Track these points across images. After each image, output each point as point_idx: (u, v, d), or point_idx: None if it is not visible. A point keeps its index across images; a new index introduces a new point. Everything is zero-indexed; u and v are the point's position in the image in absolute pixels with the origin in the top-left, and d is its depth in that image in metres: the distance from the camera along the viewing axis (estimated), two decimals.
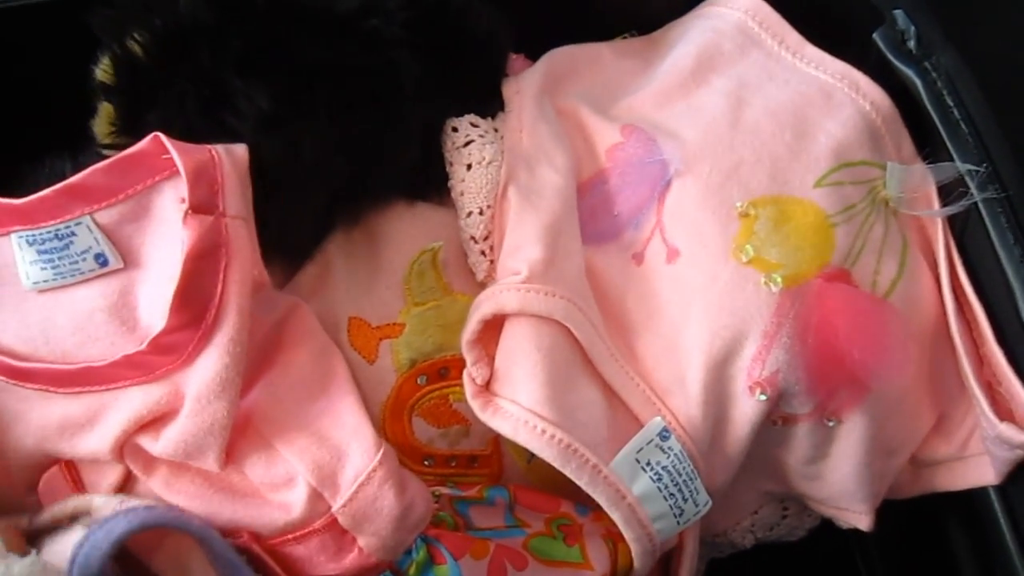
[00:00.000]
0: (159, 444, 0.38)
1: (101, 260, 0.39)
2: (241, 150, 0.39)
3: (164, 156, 0.38)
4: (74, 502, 0.39)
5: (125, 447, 0.39)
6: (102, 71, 0.41)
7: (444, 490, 0.42)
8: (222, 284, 0.38)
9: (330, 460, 0.39)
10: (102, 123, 0.41)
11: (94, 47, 0.42)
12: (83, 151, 0.43)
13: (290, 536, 0.39)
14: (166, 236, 0.39)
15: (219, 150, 0.38)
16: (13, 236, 0.38)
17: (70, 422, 0.39)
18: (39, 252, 0.38)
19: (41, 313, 0.39)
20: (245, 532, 0.39)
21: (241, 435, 0.39)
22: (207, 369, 0.38)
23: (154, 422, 0.39)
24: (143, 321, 0.39)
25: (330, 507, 0.39)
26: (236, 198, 0.39)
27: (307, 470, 0.39)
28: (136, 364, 0.38)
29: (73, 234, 0.38)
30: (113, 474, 0.40)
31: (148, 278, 0.39)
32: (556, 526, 0.43)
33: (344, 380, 0.41)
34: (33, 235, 0.38)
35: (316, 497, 0.39)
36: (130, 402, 0.38)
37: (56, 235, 0.38)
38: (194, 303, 0.38)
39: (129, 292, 0.39)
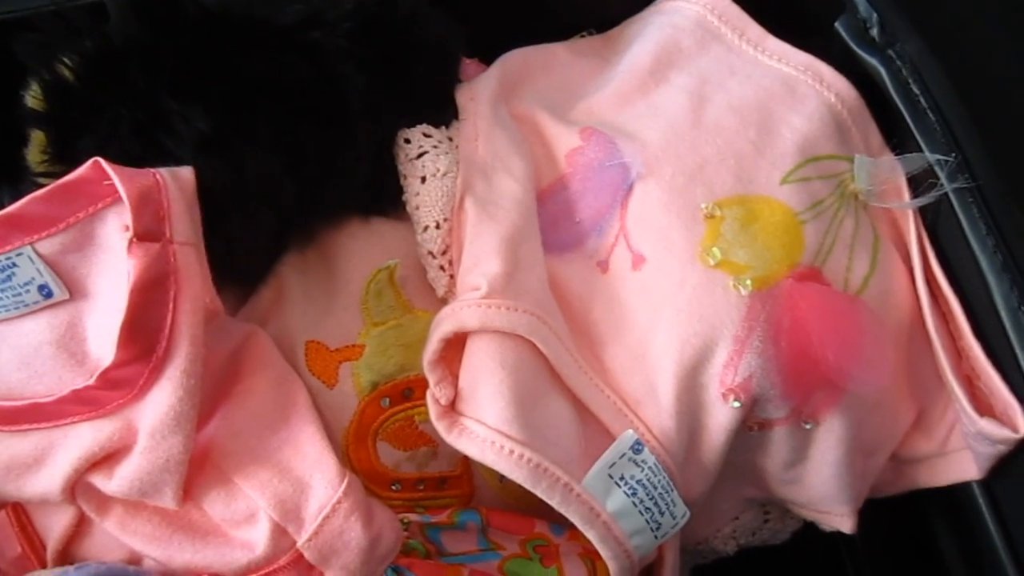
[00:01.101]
0: (112, 483, 0.37)
1: (45, 291, 0.38)
2: (187, 173, 0.38)
3: (106, 182, 0.37)
4: None
5: (76, 487, 0.38)
6: (32, 98, 0.40)
7: (413, 517, 0.41)
8: (172, 314, 0.37)
9: (292, 493, 0.38)
10: (35, 151, 0.40)
11: (25, 72, 0.40)
12: (22, 181, 0.41)
13: (255, 575, 0.38)
14: (112, 265, 0.38)
15: (164, 174, 0.37)
16: None
17: (17, 462, 0.37)
18: None
19: None
20: (206, 574, 0.38)
21: (199, 470, 0.38)
22: (160, 403, 0.36)
23: (106, 460, 0.37)
24: (93, 354, 0.38)
25: (295, 542, 0.38)
26: (183, 224, 0.37)
27: (268, 505, 0.37)
28: (85, 399, 0.37)
29: (14, 265, 0.37)
30: (65, 517, 0.39)
31: (96, 309, 0.38)
32: (532, 547, 0.42)
33: (305, 409, 0.40)
34: None
35: (279, 533, 0.38)
36: (80, 439, 0.37)
37: None
38: (143, 335, 0.36)
39: (77, 324, 0.38)
